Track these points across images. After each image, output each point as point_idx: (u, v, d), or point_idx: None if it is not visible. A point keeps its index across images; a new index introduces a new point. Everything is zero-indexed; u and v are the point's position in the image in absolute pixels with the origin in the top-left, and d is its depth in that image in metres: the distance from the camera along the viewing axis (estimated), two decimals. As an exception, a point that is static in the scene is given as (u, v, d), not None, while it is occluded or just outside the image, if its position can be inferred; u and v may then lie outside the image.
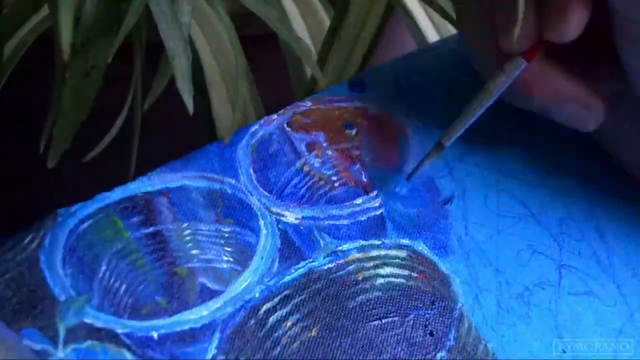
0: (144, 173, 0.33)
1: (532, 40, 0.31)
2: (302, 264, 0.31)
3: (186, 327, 0.29)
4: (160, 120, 0.37)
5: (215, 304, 0.30)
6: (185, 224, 0.32)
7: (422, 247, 0.33)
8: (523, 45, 0.31)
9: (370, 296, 0.31)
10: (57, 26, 0.30)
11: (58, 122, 0.32)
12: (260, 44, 0.38)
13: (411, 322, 0.31)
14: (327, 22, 0.38)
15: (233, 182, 0.33)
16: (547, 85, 0.32)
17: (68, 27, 0.30)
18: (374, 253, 0.32)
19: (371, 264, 0.32)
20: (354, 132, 0.35)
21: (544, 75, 0.32)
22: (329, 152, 0.35)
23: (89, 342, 0.28)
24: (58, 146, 0.32)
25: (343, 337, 0.30)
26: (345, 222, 0.33)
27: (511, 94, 0.33)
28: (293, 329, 0.30)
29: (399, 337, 0.30)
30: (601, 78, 0.33)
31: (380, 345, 0.30)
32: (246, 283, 0.31)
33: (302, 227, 0.32)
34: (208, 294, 0.30)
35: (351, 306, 0.31)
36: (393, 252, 0.32)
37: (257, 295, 0.30)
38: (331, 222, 0.33)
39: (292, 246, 0.32)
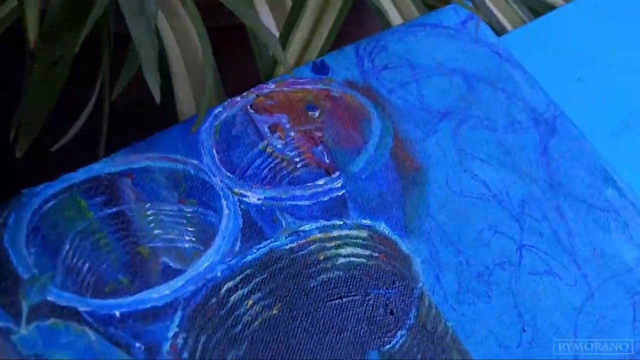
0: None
1: None
2: (263, 243, 0.32)
3: (148, 305, 0.30)
4: (128, 110, 0.37)
5: (177, 282, 0.30)
6: (148, 204, 0.32)
7: (383, 227, 0.33)
8: None
9: (331, 275, 0.31)
10: (24, 17, 0.30)
11: (26, 111, 0.33)
12: (228, 35, 0.38)
13: (372, 301, 0.31)
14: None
15: (196, 163, 0.33)
16: None
17: (35, 18, 0.30)
18: (335, 233, 0.32)
19: (332, 244, 0.32)
20: (316, 113, 0.35)
21: None
22: (292, 134, 0.35)
23: (52, 320, 0.29)
24: (26, 135, 0.33)
25: (304, 315, 0.30)
26: (307, 202, 0.33)
27: None
28: (254, 307, 0.30)
29: (360, 315, 0.31)
30: None
31: (341, 323, 0.30)
32: (208, 262, 0.31)
33: (264, 208, 0.33)
34: (170, 273, 0.30)
35: (312, 285, 0.31)
36: (354, 232, 0.33)
37: (218, 274, 0.31)
38: (293, 203, 0.33)
39: (254, 226, 0.32)
